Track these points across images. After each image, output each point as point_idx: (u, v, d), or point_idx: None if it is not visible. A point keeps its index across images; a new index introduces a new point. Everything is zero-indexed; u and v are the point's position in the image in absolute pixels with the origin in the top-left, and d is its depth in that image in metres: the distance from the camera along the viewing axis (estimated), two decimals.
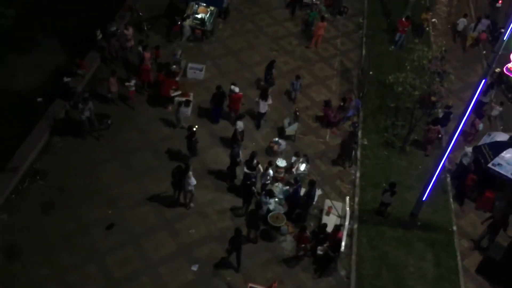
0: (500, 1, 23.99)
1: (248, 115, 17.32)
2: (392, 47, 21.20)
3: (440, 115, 17.30)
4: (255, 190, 14.44)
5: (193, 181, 13.92)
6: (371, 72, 19.66)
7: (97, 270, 12.84)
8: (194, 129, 15.61)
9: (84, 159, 15.36)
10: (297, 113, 17.10)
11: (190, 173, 13.81)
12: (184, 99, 17.06)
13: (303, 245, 13.35)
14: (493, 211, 15.42)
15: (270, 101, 17.07)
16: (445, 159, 13.24)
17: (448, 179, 16.40)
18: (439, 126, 16.87)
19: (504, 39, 11.26)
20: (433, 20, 22.69)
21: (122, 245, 13.42)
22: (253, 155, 14.52)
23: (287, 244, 14.05)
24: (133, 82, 16.91)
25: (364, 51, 21.10)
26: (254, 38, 21.02)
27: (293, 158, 15.54)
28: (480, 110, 17.89)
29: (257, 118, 17.25)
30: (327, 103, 17.60)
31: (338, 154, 16.64)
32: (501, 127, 18.16)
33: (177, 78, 17.81)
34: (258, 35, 21.18)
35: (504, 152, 14.89)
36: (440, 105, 17.10)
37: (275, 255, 13.78)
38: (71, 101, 16.27)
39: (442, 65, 18.35)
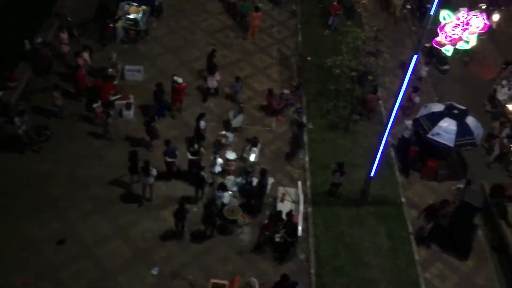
0: None
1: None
2: (327, 31, 21.61)
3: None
4: (205, 175, 14.41)
5: (154, 172, 13.93)
6: (309, 58, 19.98)
7: (51, 286, 12.38)
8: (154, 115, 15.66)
9: (26, 174, 14.73)
10: (241, 105, 17.16)
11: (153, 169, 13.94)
12: (125, 102, 16.71)
13: (267, 233, 13.45)
14: (437, 179, 16.20)
15: (218, 77, 17.48)
16: (387, 134, 13.68)
17: (392, 153, 16.99)
18: (377, 94, 17.46)
19: (431, 14, 11.74)
20: (364, 1, 23.27)
21: (75, 258, 13.02)
22: (192, 141, 14.63)
23: (245, 235, 14.13)
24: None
25: (300, 38, 21.39)
26: (191, 34, 20.80)
27: (247, 147, 15.64)
28: (416, 84, 18.63)
29: (205, 93, 17.75)
30: (270, 92, 17.76)
31: (290, 149, 16.71)
32: (436, 98, 18.97)
33: (115, 82, 17.40)
34: (194, 31, 20.97)
35: (441, 121, 15.54)
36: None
37: (234, 248, 13.81)
38: (5, 115, 15.53)
39: (376, 44, 18.93)
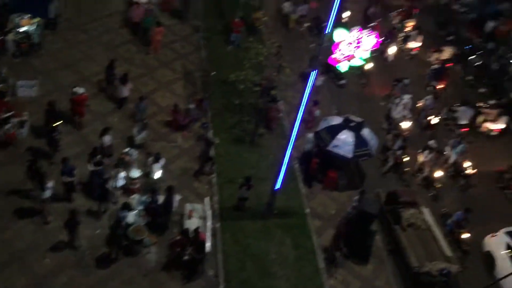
0: None
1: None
2: (230, 47, 21.92)
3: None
4: (110, 187, 13.91)
5: (50, 185, 13.33)
6: (213, 73, 20.10)
7: None
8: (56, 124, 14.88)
9: None
10: (145, 121, 16.78)
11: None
12: (16, 120, 15.60)
13: (178, 249, 13.16)
14: (338, 189, 16.97)
15: (130, 86, 17.49)
16: (291, 147, 14.10)
17: (296, 166, 17.53)
18: (278, 104, 18.01)
19: (327, 31, 12.37)
20: (265, 18, 23.92)
21: None
22: (94, 150, 14.13)
23: (152, 255, 13.73)
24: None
25: (204, 53, 21.46)
26: (89, 48, 20.01)
27: (149, 160, 15.29)
28: (316, 98, 19.41)
29: (119, 102, 17.73)
30: (175, 107, 17.57)
31: (199, 165, 16.55)
32: (335, 111, 19.92)
33: (7, 98, 16.19)
34: (93, 45, 20.21)
35: (340, 134, 16.29)
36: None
37: (141, 269, 13.36)
38: None
39: (277, 60, 19.52)
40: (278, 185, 14.71)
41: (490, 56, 25.11)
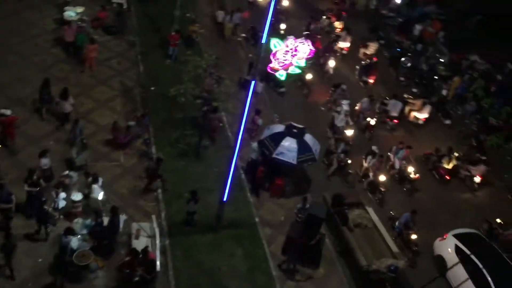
0: None
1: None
2: (168, 61, 21.72)
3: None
4: (49, 209, 13.45)
5: None
6: (152, 88, 19.81)
7: None
8: None
9: None
10: (84, 141, 16.27)
11: None
12: None
13: (127, 271, 12.75)
14: (285, 196, 17.13)
15: (72, 101, 17.21)
16: (236, 157, 14.10)
17: (243, 176, 17.55)
18: (217, 114, 18.08)
19: (263, 42, 12.54)
20: (201, 30, 23.94)
21: None
22: (30, 172, 13.66)
23: (100, 280, 13.25)
24: None
25: (141, 68, 21.14)
26: (22, 69, 19.20)
27: (88, 181, 14.79)
28: (257, 107, 19.58)
29: (61, 119, 17.29)
30: (115, 125, 17.16)
31: (146, 183, 16.23)
32: (277, 119, 20.17)
33: None
34: (26, 66, 19.41)
35: (283, 141, 16.53)
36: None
37: None
38: None
39: (216, 71, 19.52)
40: (225, 197, 14.64)
41: (419, 57, 26.38)
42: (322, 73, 23.21)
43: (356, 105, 21.03)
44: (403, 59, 25.57)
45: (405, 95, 22.57)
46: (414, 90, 24.08)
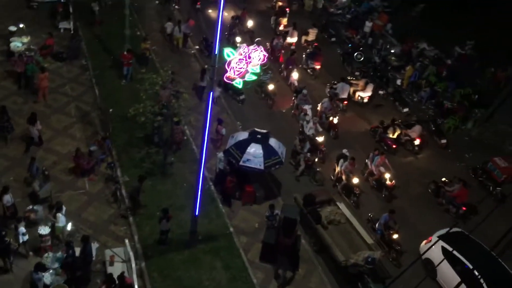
0: (198, 3, 27.50)
1: None
2: (123, 81, 21.47)
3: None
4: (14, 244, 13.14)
5: None
6: (111, 110, 19.52)
7: None
8: None
9: None
10: (46, 172, 15.85)
11: None
12: None
13: None
14: (257, 202, 17.15)
15: (39, 126, 17.32)
16: (203, 170, 14.02)
17: (212, 187, 17.48)
18: (181, 126, 17.98)
19: (216, 53, 12.54)
20: (154, 47, 23.77)
21: None
22: None
23: None
24: None
25: (97, 91, 20.80)
26: None
27: (53, 212, 14.38)
28: (219, 116, 19.59)
29: (28, 143, 17.39)
30: (76, 152, 16.81)
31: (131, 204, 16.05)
32: (240, 127, 20.22)
33: None
34: None
35: (248, 148, 16.54)
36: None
37: None
38: None
39: (174, 87, 19.41)
40: (197, 211, 14.53)
41: (371, 50, 27.01)
42: (287, 85, 23.48)
43: (317, 106, 21.27)
44: (355, 54, 26.12)
45: (349, 77, 23.47)
46: (357, 73, 24.72)
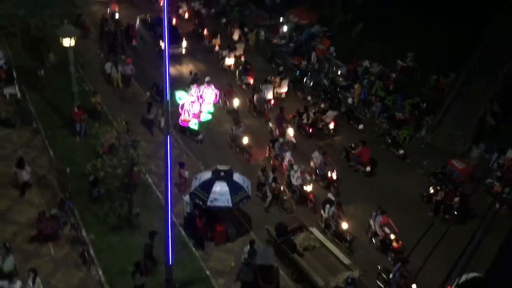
0: (133, 40, 28.98)
1: None
2: (78, 138, 21.10)
3: None
4: None
5: None
6: (68, 169, 19.04)
7: None
8: None
9: None
10: (7, 244, 15.17)
11: None
12: None
13: None
14: (230, 240, 16.96)
15: (29, 169, 17.61)
16: (170, 216, 13.77)
17: (183, 232, 17.19)
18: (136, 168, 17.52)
19: (167, 99, 12.57)
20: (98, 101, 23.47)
21: None
22: None
23: None
24: None
25: (51, 153, 20.31)
26: None
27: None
28: (180, 160, 19.45)
29: (21, 188, 17.61)
30: (39, 217, 16.21)
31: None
32: (202, 167, 20.11)
33: None
34: None
35: (214, 187, 16.43)
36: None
37: None
38: None
39: (130, 136, 19.24)
40: (170, 259, 14.18)
41: (319, 74, 27.79)
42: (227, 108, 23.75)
43: (310, 163, 20.21)
44: (304, 79, 26.79)
45: (269, 77, 25.37)
46: (323, 105, 25.07)
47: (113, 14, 31.16)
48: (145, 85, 25.26)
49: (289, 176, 19.22)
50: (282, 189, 18.71)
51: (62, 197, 17.60)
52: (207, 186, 16.61)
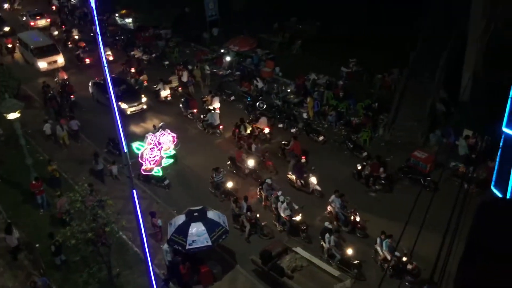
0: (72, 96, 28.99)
1: None
2: (41, 210, 20.43)
3: None
4: None
5: None
6: (37, 245, 18.37)
7: None
8: None
9: None
10: None
11: None
12: None
13: None
14: (216, 280, 16.65)
15: (17, 234, 17.40)
16: (152, 268, 13.42)
17: (170, 284, 16.74)
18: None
19: (125, 151, 12.38)
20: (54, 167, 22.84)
21: None
22: None
23: None
24: None
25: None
26: None
27: None
28: (151, 210, 19.12)
29: (11, 252, 17.42)
30: None
31: None
32: (175, 211, 19.77)
33: None
34: None
35: (190, 229, 16.17)
36: None
37: None
38: None
39: (95, 197, 18.76)
40: None
41: (270, 96, 28.18)
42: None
43: (326, 206, 18.92)
44: (257, 104, 27.06)
45: (202, 98, 27.53)
46: (281, 125, 25.40)
47: (63, 82, 30.75)
48: (99, 140, 24.93)
49: (276, 209, 18.61)
50: (257, 216, 18.60)
51: (36, 275, 16.87)
52: (183, 230, 16.35)
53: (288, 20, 36.82)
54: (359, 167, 20.92)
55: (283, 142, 23.00)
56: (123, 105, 27.05)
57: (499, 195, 12.46)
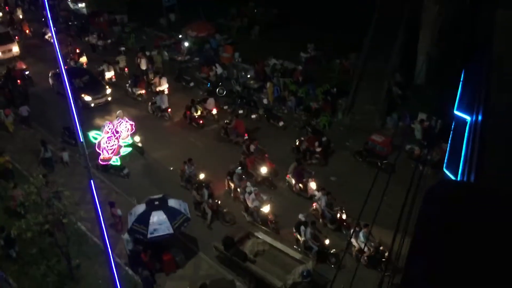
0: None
1: None
2: None
3: None
4: None
5: None
6: None
7: None
8: None
9: None
10: None
11: None
12: None
13: None
14: (180, 267, 16.59)
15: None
16: (113, 259, 13.18)
17: (130, 271, 16.55)
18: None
19: (81, 140, 12.04)
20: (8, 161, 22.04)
21: None
22: None
23: None
24: None
25: None
26: None
27: None
28: (110, 200, 18.74)
29: None
30: None
31: None
32: (135, 200, 19.45)
33: None
34: None
35: (151, 218, 15.99)
36: None
37: None
38: None
39: (51, 188, 18.18)
40: None
41: (230, 82, 28.02)
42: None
43: (313, 205, 18.37)
44: (217, 90, 26.88)
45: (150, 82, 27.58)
46: (240, 111, 25.34)
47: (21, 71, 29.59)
48: (55, 130, 24.19)
49: (245, 200, 18.43)
50: (219, 202, 18.58)
51: None
52: (143, 219, 16.15)
53: (246, 5, 36.58)
54: (297, 142, 21.75)
55: (226, 121, 23.45)
56: (87, 98, 26.22)
57: (452, 177, 12.88)
